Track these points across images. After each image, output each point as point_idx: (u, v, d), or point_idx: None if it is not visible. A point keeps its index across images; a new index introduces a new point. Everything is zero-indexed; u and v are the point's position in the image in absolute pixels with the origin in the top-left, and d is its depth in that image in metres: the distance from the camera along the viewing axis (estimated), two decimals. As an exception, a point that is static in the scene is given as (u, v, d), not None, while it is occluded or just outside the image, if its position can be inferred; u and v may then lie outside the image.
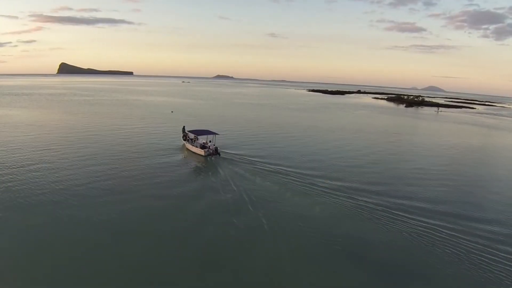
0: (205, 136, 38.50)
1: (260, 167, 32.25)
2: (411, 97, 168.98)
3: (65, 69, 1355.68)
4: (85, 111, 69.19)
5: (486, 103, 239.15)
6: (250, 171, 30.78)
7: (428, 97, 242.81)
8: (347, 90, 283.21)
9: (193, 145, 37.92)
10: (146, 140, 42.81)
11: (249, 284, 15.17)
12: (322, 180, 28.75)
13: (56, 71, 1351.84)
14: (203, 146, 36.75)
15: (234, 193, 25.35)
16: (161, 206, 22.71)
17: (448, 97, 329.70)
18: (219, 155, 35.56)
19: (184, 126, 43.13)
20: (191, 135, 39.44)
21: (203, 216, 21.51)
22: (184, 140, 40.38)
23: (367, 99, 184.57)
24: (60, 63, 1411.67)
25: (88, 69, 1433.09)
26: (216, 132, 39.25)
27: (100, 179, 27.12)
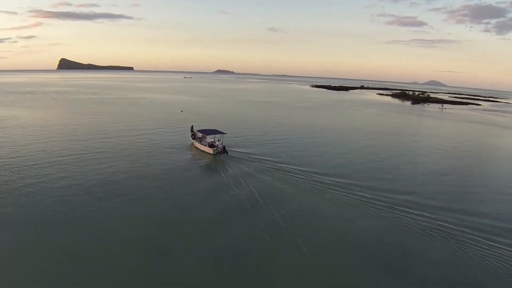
0: (213, 135, 39.24)
1: (269, 165, 33.06)
2: (416, 93, 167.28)
3: (65, 64, 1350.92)
4: (93, 111, 68.35)
5: (490, 99, 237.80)
6: (259, 170, 31.58)
7: (431, 92, 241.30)
8: (351, 86, 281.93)
9: (201, 144, 38.90)
10: (157, 140, 43.34)
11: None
12: (337, 180, 28.34)
13: (56, 67, 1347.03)
14: (211, 145, 37.63)
15: (245, 191, 26.31)
16: (175, 205, 23.49)
17: (450, 92, 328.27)
18: (227, 153, 36.40)
19: (192, 126, 43.94)
20: (199, 134, 40.32)
21: (217, 216, 22.16)
22: (192, 139, 41.29)
23: (372, 95, 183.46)
24: (60, 59, 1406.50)
25: (88, 64, 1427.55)
26: (224, 132, 39.95)
27: (113, 179, 27.69)
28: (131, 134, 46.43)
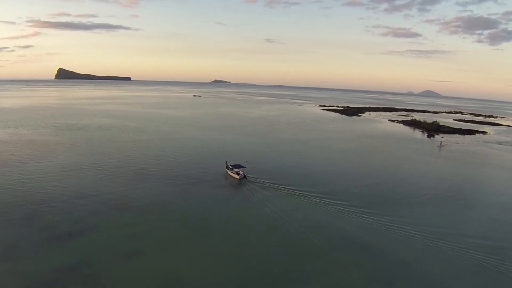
0: (238, 168, 66.17)
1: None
2: (428, 122, 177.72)
3: (63, 74, 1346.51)
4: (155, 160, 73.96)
5: (491, 119, 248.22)
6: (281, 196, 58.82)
7: (435, 112, 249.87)
8: (357, 107, 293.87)
9: (232, 172, 65.97)
10: (206, 173, 70.09)
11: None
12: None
13: (54, 76, 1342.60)
14: (237, 173, 64.58)
15: (256, 199, 54.19)
16: (218, 216, 47.54)
17: (451, 111, 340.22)
18: (246, 178, 63.50)
19: (226, 161, 70.89)
20: (230, 167, 67.29)
21: (243, 216, 47.76)
22: (227, 169, 68.56)
23: (385, 122, 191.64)
24: (58, 69, 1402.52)
25: (86, 74, 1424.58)
26: (244, 166, 67.16)
27: (173, 200, 53.05)
28: (186, 166, 56.84)
